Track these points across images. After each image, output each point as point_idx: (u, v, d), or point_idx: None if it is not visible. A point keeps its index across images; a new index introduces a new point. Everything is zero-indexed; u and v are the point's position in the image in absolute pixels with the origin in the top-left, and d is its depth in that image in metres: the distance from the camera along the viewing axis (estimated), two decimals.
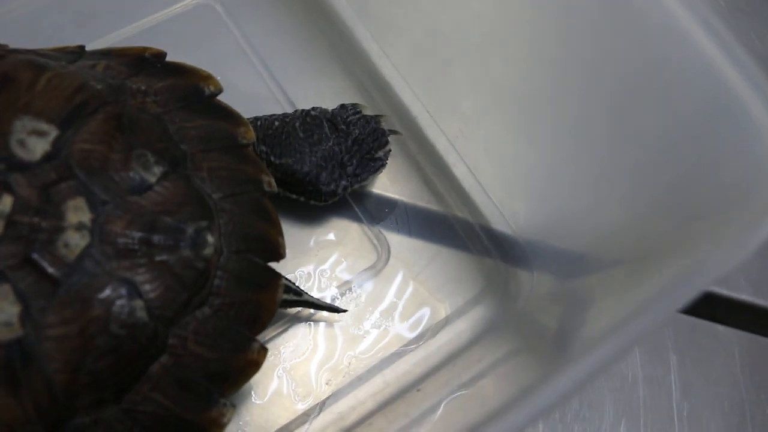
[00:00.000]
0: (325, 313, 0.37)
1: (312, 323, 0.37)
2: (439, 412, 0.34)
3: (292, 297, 0.34)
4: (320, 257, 0.38)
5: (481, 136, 0.40)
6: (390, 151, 0.38)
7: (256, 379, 0.35)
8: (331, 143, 0.37)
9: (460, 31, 0.38)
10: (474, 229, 0.40)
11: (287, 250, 0.37)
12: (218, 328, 0.28)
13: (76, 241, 0.25)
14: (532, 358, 0.35)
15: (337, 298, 0.37)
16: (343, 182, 0.37)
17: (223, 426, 0.28)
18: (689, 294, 0.24)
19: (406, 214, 0.40)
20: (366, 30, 0.43)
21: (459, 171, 0.41)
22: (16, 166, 0.26)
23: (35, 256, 0.25)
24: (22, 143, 0.26)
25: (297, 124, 0.37)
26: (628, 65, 0.32)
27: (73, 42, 0.34)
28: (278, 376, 0.35)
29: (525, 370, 0.35)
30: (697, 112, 0.29)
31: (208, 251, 0.28)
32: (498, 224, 0.40)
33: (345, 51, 0.43)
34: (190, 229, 0.28)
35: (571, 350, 0.31)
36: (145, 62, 0.33)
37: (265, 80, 0.42)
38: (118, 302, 0.25)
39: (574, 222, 0.38)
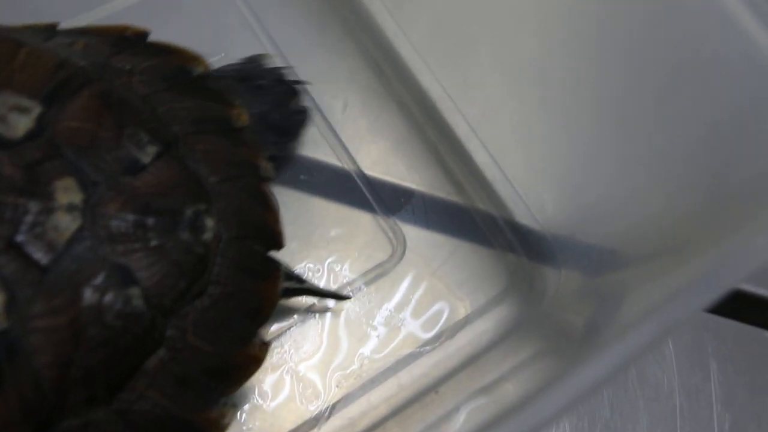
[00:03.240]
0: (333, 307, 0.37)
1: (321, 321, 0.37)
2: (458, 417, 0.34)
3: (294, 285, 0.33)
4: (330, 249, 0.38)
5: (506, 122, 0.40)
6: (302, 100, 0.39)
7: (260, 379, 0.35)
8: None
9: (485, 3, 0.37)
10: (497, 222, 0.40)
11: (294, 242, 0.38)
12: (218, 320, 0.28)
13: (66, 224, 0.25)
14: (558, 361, 0.35)
15: (350, 294, 0.37)
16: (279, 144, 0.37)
17: (223, 428, 0.28)
18: (718, 290, 0.23)
19: (423, 205, 0.40)
20: (381, 3, 0.43)
21: (480, 159, 0.40)
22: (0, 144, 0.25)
23: (20, 239, 0.24)
24: (2, 119, 0.26)
25: None
26: (673, 49, 0.32)
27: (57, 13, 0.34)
28: (284, 377, 0.35)
29: (551, 374, 0.35)
30: (741, 101, 0.29)
31: (207, 235, 0.28)
32: (523, 217, 0.40)
33: (358, 26, 0.43)
34: (188, 212, 0.27)
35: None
36: (127, 41, 0.33)
37: (272, 56, 0.42)
38: (113, 290, 0.25)
39: (605, 215, 0.38)
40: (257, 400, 0.35)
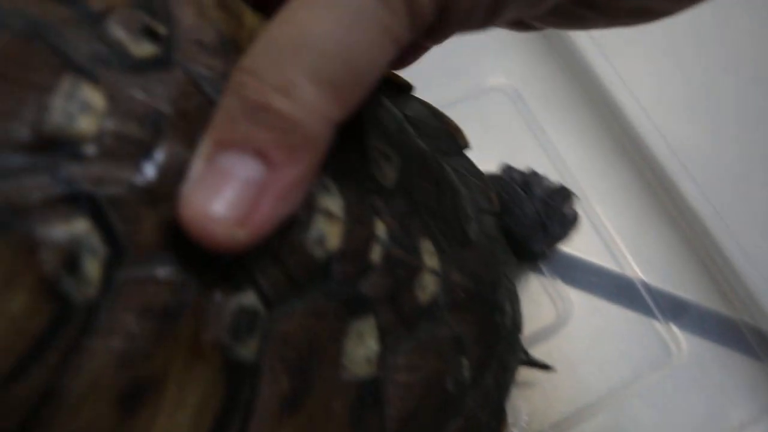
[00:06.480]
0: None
1: None
2: None
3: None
4: (605, 351, 0.43)
5: None
6: (574, 205, 0.43)
7: None
8: (526, 204, 0.41)
9: None
10: (765, 336, 0.45)
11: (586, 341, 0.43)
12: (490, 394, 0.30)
13: (430, 286, 0.26)
14: None
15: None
16: (547, 240, 0.42)
17: None
18: None
19: (698, 315, 0.45)
20: (654, 127, 0.49)
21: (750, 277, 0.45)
22: (375, 189, 0.25)
23: (399, 293, 0.24)
24: (377, 163, 0.26)
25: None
26: None
27: None
28: None
29: None
30: None
31: (507, 320, 0.30)
32: None
33: (630, 146, 0.49)
34: (500, 296, 0.30)
35: None
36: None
37: (556, 167, 0.48)
38: (455, 357, 0.26)
39: None
40: None
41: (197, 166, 0.18)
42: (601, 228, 0.47)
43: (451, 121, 0.34)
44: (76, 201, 0.17)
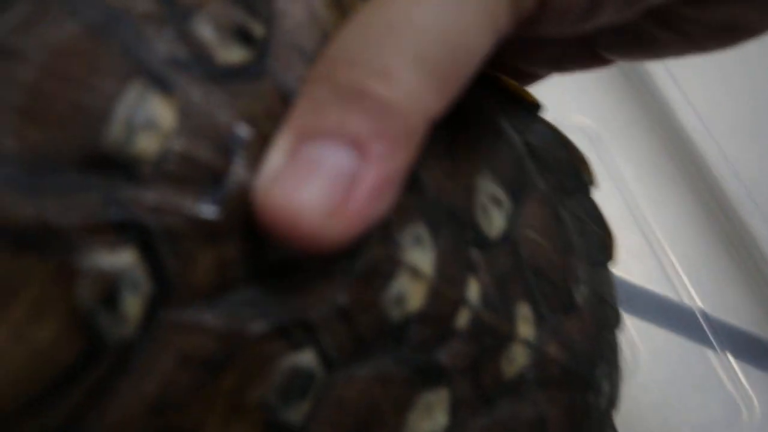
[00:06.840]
0: None
1: None
2: None
3: None
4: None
5: None
6: None
7: None
8: None
9: None
10: None
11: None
12: None
13: (519, 358, 0.23)
14: None
15: None
16: None
17: None
18: None
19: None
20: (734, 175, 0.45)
21: None
22: (476, 240, 0.22)
23: (482, 363, 0.22)
24: (485, 210, 0.23)
25: None
26: None
27: None
28: None
29: None
30: None
31: (602, 401, 0.26)
32: None
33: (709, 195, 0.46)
34: (598, 373, 0.26)
35: None
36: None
37: (622, 194, 0.46)
38: None
39: None
40: None
41: (276, 159, 0.15)
42: (665, 261, 0.44)
43: (579, 150, 0.30)
44: (125, 229, 0.15)
